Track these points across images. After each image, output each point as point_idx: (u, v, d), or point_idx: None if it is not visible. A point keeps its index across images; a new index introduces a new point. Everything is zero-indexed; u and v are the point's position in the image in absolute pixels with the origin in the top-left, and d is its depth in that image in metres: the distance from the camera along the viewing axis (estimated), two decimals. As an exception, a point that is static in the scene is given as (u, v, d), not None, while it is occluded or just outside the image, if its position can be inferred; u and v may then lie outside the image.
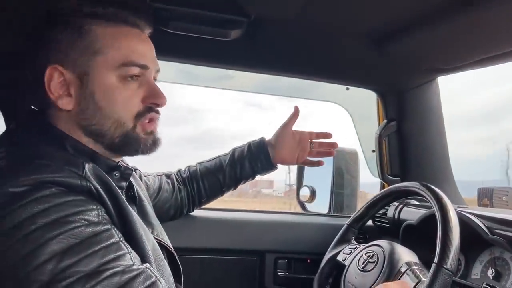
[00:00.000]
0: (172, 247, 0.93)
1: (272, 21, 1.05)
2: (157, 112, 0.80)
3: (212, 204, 1.36)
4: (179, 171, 1.29)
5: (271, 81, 1.52)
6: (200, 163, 1.30)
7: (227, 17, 1.02)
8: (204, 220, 1.40)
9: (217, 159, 1.29)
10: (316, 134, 1.31)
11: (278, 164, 1.30)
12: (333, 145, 1.33)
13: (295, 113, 1.29)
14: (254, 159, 1.26)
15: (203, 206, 1.40)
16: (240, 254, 1.41)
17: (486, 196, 1.45)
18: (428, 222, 1.12)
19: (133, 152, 0.80)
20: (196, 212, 1.37)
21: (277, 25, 1.08)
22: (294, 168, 1.60)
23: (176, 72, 1.49)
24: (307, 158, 1.31)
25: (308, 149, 1.29)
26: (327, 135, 1.32)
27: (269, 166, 1.28)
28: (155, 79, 0.82)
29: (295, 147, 1.28)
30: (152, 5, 0.96)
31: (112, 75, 0.74)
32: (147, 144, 0.79)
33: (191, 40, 1.07)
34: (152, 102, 0.78)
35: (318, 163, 1.33)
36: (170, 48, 1.17)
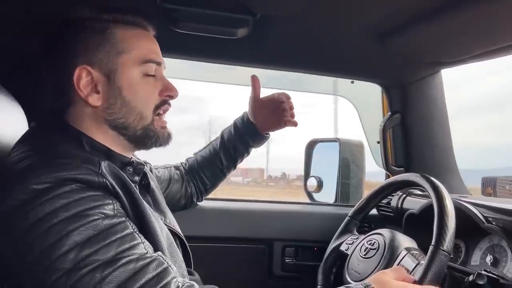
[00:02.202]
0: (181, 234, 0.98)
1: (277, 18, 1.08)
2: (169, 104, 0.89)
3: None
4: (182, 163, 1.34)
5: (276, 74, 1.54)
6: (196, 153, 1.34)
7: (233, 16, 1.05)
8: (215, 209, 1.45)
9: (210, 145, 1.31)
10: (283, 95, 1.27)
11: (269, 132, 1.30)
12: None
13: (254, 85, 1.25)
14: (243, 137, 1.27)
15: (214, 196, 1.46)
16: (249, 242, 1.47)
17: (489, 185, 1.48)
18: (429, 211, 1.15)
19: (152, 144, 0.88)
20: (207, 202, 1.43)
21: (282, 22, 1.10)
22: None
23: (179, 65, 1.48)
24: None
25: (287, 108, 1.25)
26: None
27: (260, 138, 1.29)
28: None
29: (273, 113, 1.26)
30: (162, 6, 1.00)
31: (136, 71, 0.83)
32: (163, 137, 0.88)
33: (200, 39, 1.11)
34: (168, 94, 0.87)
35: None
36: (180, 47, 1.21)
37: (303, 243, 1.50)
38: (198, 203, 1.39)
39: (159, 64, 0.86)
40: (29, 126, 0.99)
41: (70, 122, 0.82)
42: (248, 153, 1.32)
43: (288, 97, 1.26)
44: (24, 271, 0.65)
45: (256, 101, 1.26)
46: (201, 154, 1.32)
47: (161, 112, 0.88)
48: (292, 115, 1.26)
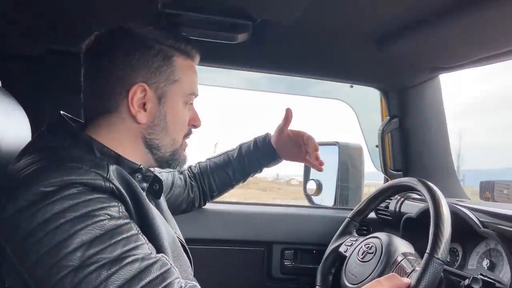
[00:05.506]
0: (183, 240, 0.99)
1: (276, 23, 1.09)
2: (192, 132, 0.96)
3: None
4: (190, 167, 1.36)
5: (276, 79, 1.55)
6: (209, 159, 1.36)
7: (234, 21, 1.06)
8: (214, 212, 1.46)
9: (225, 154, 1.35)
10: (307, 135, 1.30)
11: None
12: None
13: (287, 117, 1.29)
14: (261, 155, 1.31)
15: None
16: (249, 245, 1.48)
17: (487, 189, 1.49)
18: (426, 215, 1.15)
19: (175, 165, 0.93)
20: (206, 205, 1.44)
21: (282, 27, 1.11)
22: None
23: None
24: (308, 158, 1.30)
25: (309, 151, 1.29)
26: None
27: (276, 163, 1.34)
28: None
29: (295, 147, 1.30)
30: (163, 11, 1.01)
31: (181, 100, 0.89)
32: (184, 160, 0.94)
33: (200, 43, 1.12)
34: (194, 124, 0.94)
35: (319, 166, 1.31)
36: None
37: (302, 245, 1.51)
38: (197, 205, 1.40)
39: (197, 96, 0.93)
40: (31, 130, 1.00)
41: (91, 129, 0.85)
42: (260, 171, 1.36)
43: (313, 143, 1.28)
44: (29, 269, 0.67)
45: (283, 132, 1.30)
46: (214, 161, 1.35)
47: (187, 138, 0.94)
48: (317, 158, 1.29)
